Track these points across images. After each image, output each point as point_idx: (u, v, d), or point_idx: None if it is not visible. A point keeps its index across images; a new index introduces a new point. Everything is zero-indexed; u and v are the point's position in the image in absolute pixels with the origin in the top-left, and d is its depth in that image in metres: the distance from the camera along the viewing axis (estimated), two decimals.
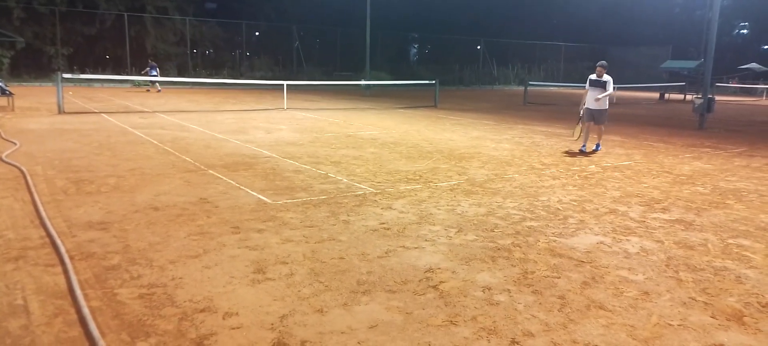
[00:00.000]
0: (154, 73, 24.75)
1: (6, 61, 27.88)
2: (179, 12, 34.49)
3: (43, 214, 5.11)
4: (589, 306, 3.50)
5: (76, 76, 21.87)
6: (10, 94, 14.78)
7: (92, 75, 24.78)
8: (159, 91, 24.87)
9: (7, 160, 7.67)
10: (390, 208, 5.75)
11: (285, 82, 19.29)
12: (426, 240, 4.72)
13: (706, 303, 3.60)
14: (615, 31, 48.01)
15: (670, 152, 10.36)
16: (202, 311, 3.29)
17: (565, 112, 19.60)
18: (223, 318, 3.21)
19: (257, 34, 40.74)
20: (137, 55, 32.19)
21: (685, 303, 3.59)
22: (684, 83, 31.66)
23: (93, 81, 26.45)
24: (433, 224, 5.20)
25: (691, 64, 33.78)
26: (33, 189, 6.07)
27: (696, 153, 10.37)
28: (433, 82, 21.96)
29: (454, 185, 6.99)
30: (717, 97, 16.22)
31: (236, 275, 3.84)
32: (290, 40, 39.04)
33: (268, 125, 12.88)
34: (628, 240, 4.89)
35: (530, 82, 26.75)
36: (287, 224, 5.09)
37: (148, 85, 25.54)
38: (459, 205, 5.96)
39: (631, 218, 5.63)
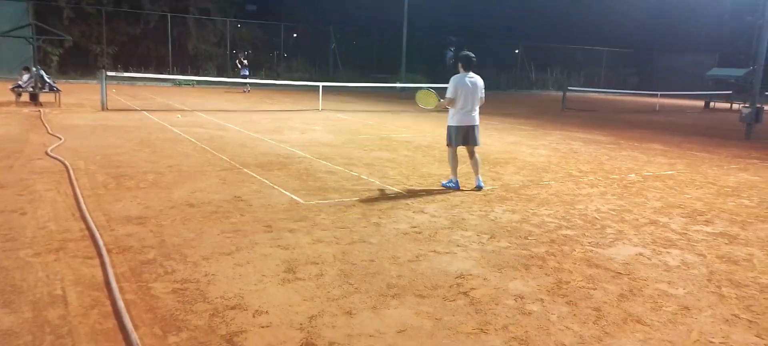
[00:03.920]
0: (246, 72, 24.78)
1: (55, 58, 28.97)
2: (221, 13, 35.19)
3: (84, 207, 5.27)
4: (626, 320, 3.39)
5: (119, 74, 22.54)
6: (57, 90, 15.31)
7: (135, 73, 25.43)
8: (245, 92, 24.74)
9: (52, 154, 7.95)
10: (422, 211, 5.71)
11: (321, 84, 19.44)
12: (458, 246, 4.66)
13: (750, 321, 3.44)
14: (659, 37, 46.64)
15: (715, 163, 10.00)
16: (233, 308, 3.32)
17: (605, 118, 19.16)
18: (254, 316, 3.23)
19: (295, 35, 41.20)
20: (179, 55, 32.95)
21: (727, 320, 3.44)
22: (731, 92, 30.55)
23: (136, 79, 27.18)
24: (466, 230, 5.13)
25: (739, 72, 32.53)
26: (75, 183, 6.26)
27: (742, 164, 9.97)
28: None
29: (487, 190, 6.90)
30: (766, 107, 15.58)
31: (267, 274, 3.87)
32: (327, 42, 39.34)
33: (303, 126, 13.00)
34: (668, 253, 4.72)
35: (569, 88, 26.21)
36: (319, 224, 5.10)
37: (244, 86, 25.26)
38: (492, 211, 5.87)
39: (672, 230, 5.44)
